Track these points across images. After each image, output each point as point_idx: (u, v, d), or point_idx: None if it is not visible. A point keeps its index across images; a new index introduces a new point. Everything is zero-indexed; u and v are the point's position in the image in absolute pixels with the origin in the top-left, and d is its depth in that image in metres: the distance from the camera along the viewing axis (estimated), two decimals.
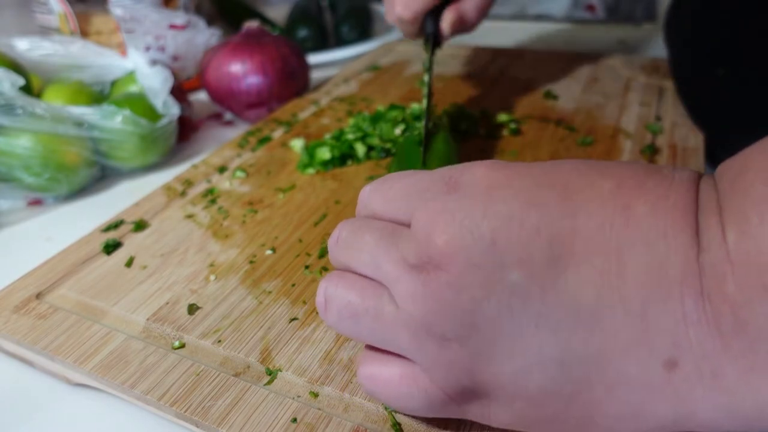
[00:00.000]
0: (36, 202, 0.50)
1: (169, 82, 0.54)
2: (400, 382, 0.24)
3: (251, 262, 0.38)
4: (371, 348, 0.26)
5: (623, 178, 0.21)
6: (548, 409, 0.22)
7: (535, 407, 0.22)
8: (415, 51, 0.78)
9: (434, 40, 0.50)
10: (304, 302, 0.34)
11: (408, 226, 0.24)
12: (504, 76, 0.67)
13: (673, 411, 0.20)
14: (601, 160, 0.23)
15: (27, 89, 0.50)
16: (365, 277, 0.25)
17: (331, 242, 0.27)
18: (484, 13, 0.51)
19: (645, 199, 0.20)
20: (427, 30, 0.50)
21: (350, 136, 0.50)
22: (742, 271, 0.18)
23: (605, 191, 0.21)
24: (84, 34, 0.67)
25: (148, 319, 0.33)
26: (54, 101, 0.51)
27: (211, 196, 0.46)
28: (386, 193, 0.26)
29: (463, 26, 0.50)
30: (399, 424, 0.26)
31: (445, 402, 0.23)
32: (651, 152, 0.47)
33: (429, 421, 0.26)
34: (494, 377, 0.22)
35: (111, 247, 0.39)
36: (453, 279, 0.21)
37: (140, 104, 0.52)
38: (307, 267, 0.37)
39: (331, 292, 0.25)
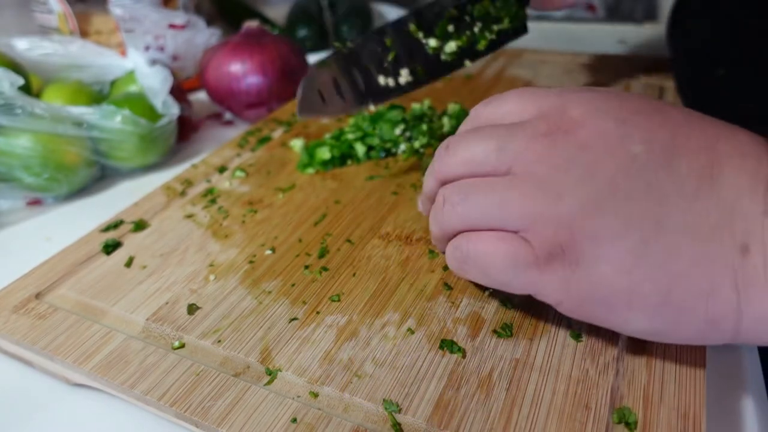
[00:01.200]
0: (35, 202, 0.50)
1: (169, 82, 0.54)
2: (490, 239, 0.27)
3: (251, 262, 0.37)
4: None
5: (720, 121, 0.26)
6: (631, 276, 0.24)
7: (619, 273, 0.24)
8: None
9: None
10: (304, 302, 0.34)
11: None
12: (504, 76, 0.67)
13: (737, 296, 0.23)
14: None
15: (26, 89, 0.50)
16: (477, 175, 0.28)
17: (436, 157, 0.30)
18: None
19: (740, 131, 0.26)
20: None
21: (350, 136, 0.50)
22: None
23: (713, 119, 0.26)
24: (83, 33, 0.67)
25: (147, 319, 0.33)
26: (53, 101, 0.51)
27: (210, 195, 0.45)
28: (512, 96, 0.29)
29: None
30: (399, 425, 0.26)
31: (529, 263, 0.25)
32: None
33: (430, 420, 0.26)
34: (594, 233, 0.24)
35: (111, 247, 0.39)
36: (581, 140, 0.25)
37: (140, 104, 0.52)
38: (306, 267, 0.37)
39: (449, 189, 0.28)
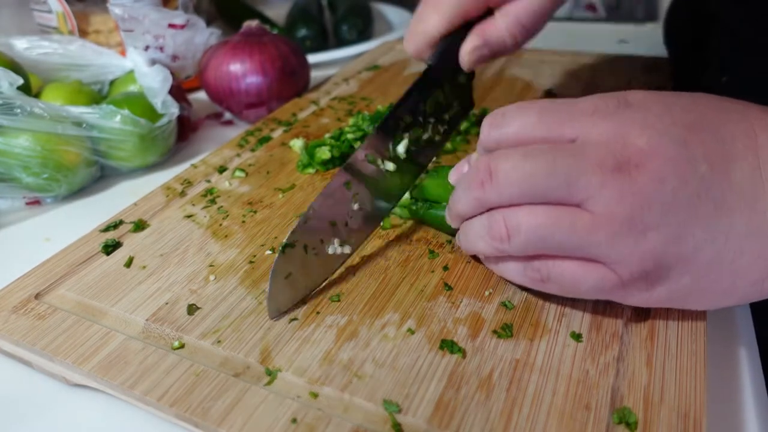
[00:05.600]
0: (35, 202, 0.50)
1: (169, 82, 0.53)
2: (575, 269, 0.28)
3: (251, 262, 0.37)
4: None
5: (746, 105, 0.28)
6: (706, 280, 0.27)
7: (698, 280, 0.27)
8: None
9: (449, 73, 0.40)
10: (304, 302, 0.34)
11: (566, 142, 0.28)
12: (504, 76, 0.67)
13: None
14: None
15: (26, 89, 0.50)
16: (539, 204, 0.27)
17: (477, 182, 0.29)
18: (526, 33, 0.39)
19: (767, 113, 0.27)
20: (429, 60, 0.40)
21: (350, 136, 0.50)
22: None
23: (740, 107, 0.28)
24: (82, 33, 0.67)
25: (147, 320, 0.33)
26: (53, 101, 0.51)
27: (210, 196, 0.45)
28: (539, 113, 0.29)
29: (492, 52, 0.39)
30: (399, 425, 0.26)
31: (616, 287, 0.28)
32: None
33: (430, 421, 0.26)
34: (677, 257, 0.26)
35: (110, 247, 0.39)
36: (655, 173, 0.26)
37: (139, 104, 0.52)
38: None
39: (514, 221, 0.28)
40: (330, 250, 0.34)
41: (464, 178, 0.31)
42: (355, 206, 0.35)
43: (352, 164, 0.36)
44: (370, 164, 0.36)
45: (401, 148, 0.37)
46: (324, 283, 0.35)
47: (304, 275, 0.33)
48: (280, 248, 0.33)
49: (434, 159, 0.48)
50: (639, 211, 0.26)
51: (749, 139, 0.27)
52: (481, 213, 0.30)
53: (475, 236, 0.31)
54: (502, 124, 0.30)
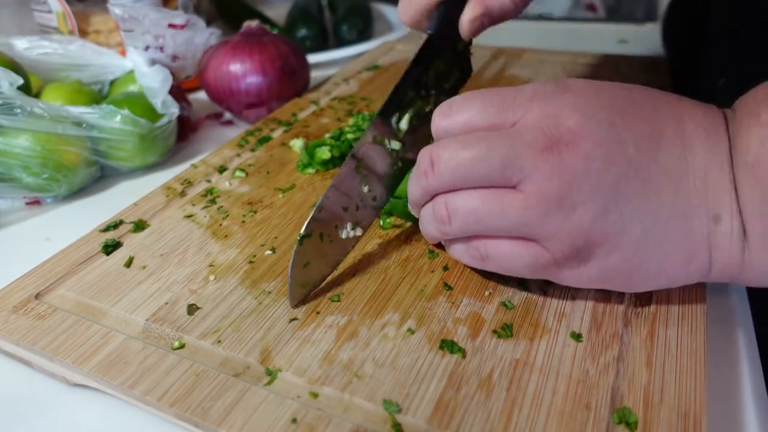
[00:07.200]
0: (35, 202, 0.50)
1: (169, 82, 0.53)
2: (511, 247, 0.29)
3: (251, 262, 0.37)
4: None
5: (680, 98, 0.29)
6: (635, 259, 0.28)
7: (627, 259, 0.28)
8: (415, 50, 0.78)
9: (449, 41, 0.38)
10: (304, 302, 0.34)
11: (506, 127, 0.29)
12: (504, 75, 0.67)
13: (709, 257, 0.28)
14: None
15: (26, 89, 0.50)
16: (478, 187, 0.29)
17: (421, 172, 0.30)
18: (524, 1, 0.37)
19: (698, 107, 0.29)
20: (428, 29, 0.39)
21: (350, 136, 0.50)
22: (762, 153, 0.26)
23: (673, 100, 0.29)
24: (82, 33, 0.67)
25: (147, 320, 0.33)
26: (53, 101, 0.51)
27: (210, 196, 0.45)
28: (483, 102, 0.30)
29: (493, 20, 0.38)
30: (399, 425, 0.26)
31: (548, 264, 0.29)
32: None
33: (430, 421, 0.26)
34: (605, 234, 0.27)
35: (110, 247, 0.39)
36: (584, 152, 0.27)
37: (139, 104, 0.52)
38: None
39: (453, 205, 0.30)
40: (343, 235, 0.35)
41: (414, 169, 0.32)
42: (365, 189, 0.36)
43: (361, 147, 0.36)
44: (377, 145, 0.36)
45: (404, 124, 0.37)
46: (335, 271, 0.36)
47: (320, 261, 0.35)
48: (298, 239, 0.34)
49: None
50: (567, 189, 0.27)
51: (678, 127, 0.28)
52: (430, 200, 0.32)
53: (426, 221, 0.33)
54: (449, 115, 0.31)
